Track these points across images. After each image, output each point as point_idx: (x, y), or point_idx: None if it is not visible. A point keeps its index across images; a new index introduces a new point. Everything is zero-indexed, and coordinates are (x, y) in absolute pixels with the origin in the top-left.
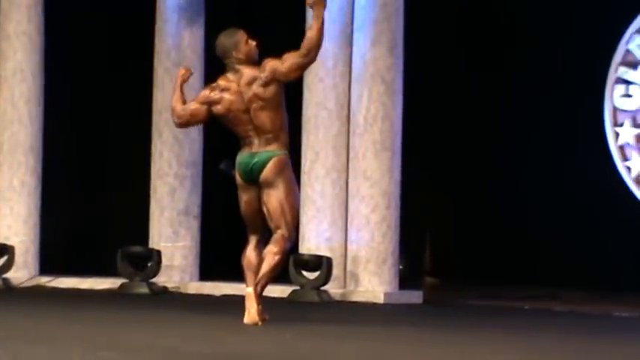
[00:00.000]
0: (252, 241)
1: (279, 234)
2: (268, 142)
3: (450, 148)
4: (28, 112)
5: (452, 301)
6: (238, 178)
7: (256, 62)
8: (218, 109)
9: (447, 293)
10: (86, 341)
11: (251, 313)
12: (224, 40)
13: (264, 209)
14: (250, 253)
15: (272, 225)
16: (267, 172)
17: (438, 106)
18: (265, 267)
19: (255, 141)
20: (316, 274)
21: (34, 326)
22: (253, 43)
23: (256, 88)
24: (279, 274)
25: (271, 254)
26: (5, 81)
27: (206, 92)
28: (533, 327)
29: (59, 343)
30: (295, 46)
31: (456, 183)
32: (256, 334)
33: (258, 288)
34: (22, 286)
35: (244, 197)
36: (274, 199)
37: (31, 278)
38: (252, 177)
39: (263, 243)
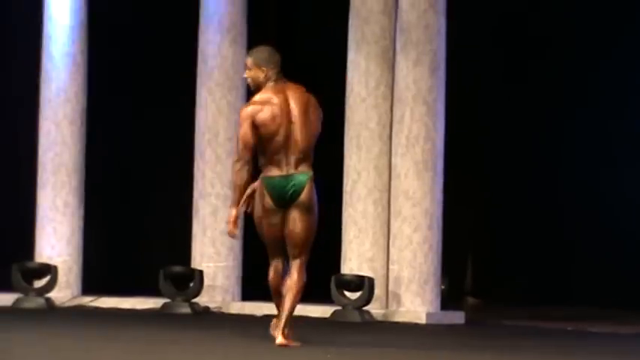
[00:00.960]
0: (279, 264)
1: (300, 262)
2: (299, 162)
3: (491, 169)
4: (72, 132)
5: (494, 322)
6: (268, 202)
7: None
8: (261, 118)
9: (488, 314)
10: None
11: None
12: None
13: (287, 232)
14: (279, 278)
15: (293, 250)
16: (304, 197)
17: (479, 127)
18: (291, 302)
19: (285, 160)
20: (358, 294)
21: (76, 346)
22: None
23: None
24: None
25: (296, 287)
26: (49, 102)
27: (247, 110)
28: (574, 348)
29: None
30: (333, 67)
31: (498, 204)
32: (297, 355)
33: (284, 320)
34: (64, 305)
35: (273, 221)
36: (304, 224)
37: (74, 298)
38: (287, 201)
39: (286, 265)
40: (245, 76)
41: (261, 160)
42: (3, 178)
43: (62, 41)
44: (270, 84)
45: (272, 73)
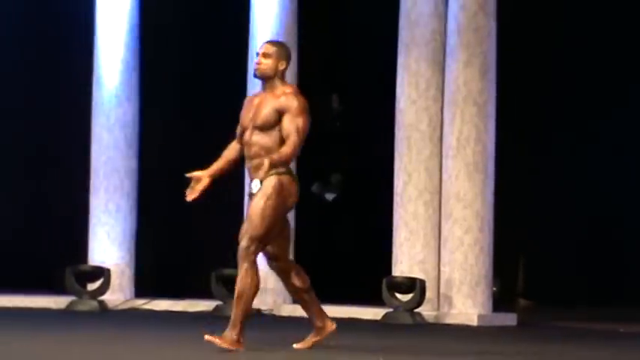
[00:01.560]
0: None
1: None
2: None
3: (542, 171)
4: (124, 137)
5: (546, 324)
6: (293, 202)
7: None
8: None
9: (541, 315)
10: None
11: None
12: None
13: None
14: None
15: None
16: None
17: (530, 128)
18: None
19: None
20: (409, 296)
21: (129, 348)
22: None
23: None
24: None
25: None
26: (101, 106)
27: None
28: (627, 350)
29: None
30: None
31: (549, 205)
32: (350, 357)
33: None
34: (117, 308)
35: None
36: None
37: (126, 301)
38: None
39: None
40: (261, 61)
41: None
42: (57, 182)
43: (114, 45)
44: (279, 80)
45: (285, 71)
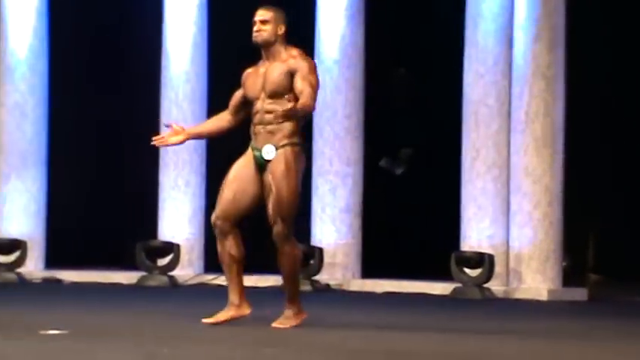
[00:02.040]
0: None
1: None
2: None
3: (613, 144)
4: (192, 112)
5: (616, 299)
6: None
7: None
8: None
9: (611, 290)
10: (249, 339)
11: None
12: None
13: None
14: None
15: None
16: None
17: (600, 103)
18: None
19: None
20: (478, 271)
21: (197, 324)
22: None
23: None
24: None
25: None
26: (170, 82)
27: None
28: None
29: (222, 342)
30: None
31: (620, 179)
32: (418, 331)
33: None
34: (187, 283)
35: None
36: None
37: (196, 276)
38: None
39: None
40: (260, 28)
41: (297, 126)
42: (126, 158)
43: (183, 21)
44: (281, 45)
45: (284, 35)
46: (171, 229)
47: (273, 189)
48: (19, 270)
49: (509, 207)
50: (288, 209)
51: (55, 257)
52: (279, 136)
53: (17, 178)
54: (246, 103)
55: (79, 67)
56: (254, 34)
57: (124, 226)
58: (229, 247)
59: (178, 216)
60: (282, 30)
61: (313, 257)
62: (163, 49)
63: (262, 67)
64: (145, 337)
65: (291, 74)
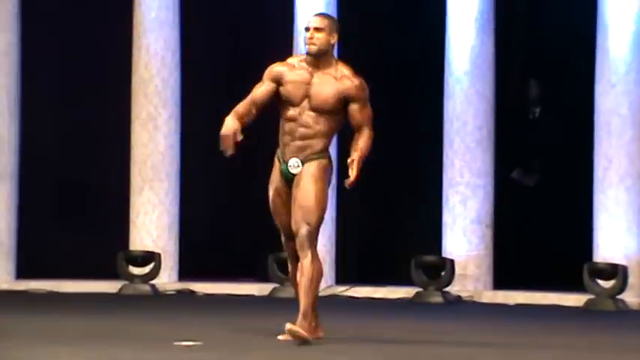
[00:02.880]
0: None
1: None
2: None
3: None
4: None
5: None
6: None
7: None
8: None
9: None
10: (379, 349)
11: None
12: None
13: None
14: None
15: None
16: None
17: None
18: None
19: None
20: (612, 282)
21: (328, 335)
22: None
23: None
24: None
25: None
26: None
27: None
28: None
29: (351, 351)
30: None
31: None
32: (551, 345)
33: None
34: (318, 295)
35: None
36: None
37: (328, 287)
38: None
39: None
40: (314, 35)
41: (328, 142)
42: (257, 170)
43: None
44: (332, 56)
45: (335, 45)
46: None
47: (299, 196)
48: (153, 282)
49: None
50: (314, 216)
51: (188, 269)
52: (308, 151)
53: (150, 190)
54: (272, 101)
55: (211, 79)
56: (307, 43)
57: (256, 238)
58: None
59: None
60: (334, 39)
61: (444, 269)
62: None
63: (308, 74)
64: (276, 348)
65: (344, 98)
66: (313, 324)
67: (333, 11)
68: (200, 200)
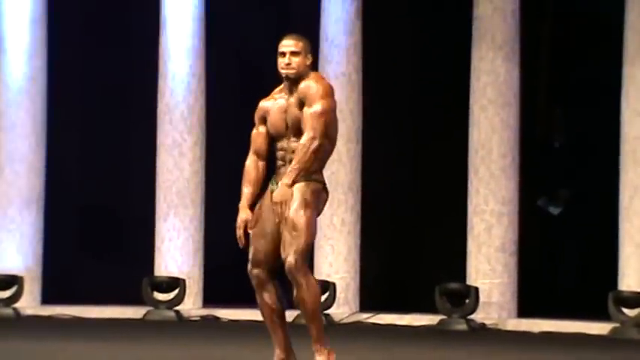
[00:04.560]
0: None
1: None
2: None
3: None
4: (347, 151)
5: None
6: None
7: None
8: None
9: None
10: None
11: None
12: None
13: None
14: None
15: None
16: None
17: None
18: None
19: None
20: (637, 310)
21: None
22: None
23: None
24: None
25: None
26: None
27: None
28: None
29: None
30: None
31: None
32: None
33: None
34: (343, 322)
35: None
36: None
37: (352, 314)
38: None
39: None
40: (292, 60)
41: (318, 164)
42: None
43: (337, 61)
44: (312, 75)
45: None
46: (327, 268)
47: (288, 220)
48: (177, 308)
49: None
50: (302, 241)
51: (212, 295)
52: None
53: (175, 217)
54: (270, 140)
55: (233, 104)
56: (284, 68)
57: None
58: (267, 298)
59: (334, 255)
60: (310, 60)
61: (469, 296)
62: None
63: (283, 100)
64: None
65: (302, 103)
66: (328, 349)
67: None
68: (224, 226)
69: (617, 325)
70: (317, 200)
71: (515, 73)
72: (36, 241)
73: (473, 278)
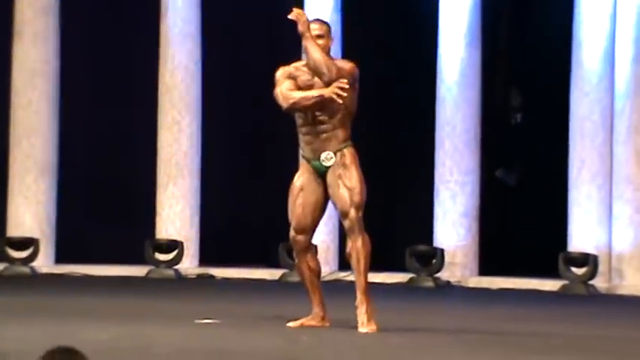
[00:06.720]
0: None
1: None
2: None
3: None
4: None
5: None
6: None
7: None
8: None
9: None
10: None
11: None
12: None
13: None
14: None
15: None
16: None
17: None
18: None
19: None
20: (584, 270)
21: (333, 316)
22: None
23: None
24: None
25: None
26: None
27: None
28: None
29: (353, 333)
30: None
31: None
32: (529, 323)
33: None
34: (324, 279)
35: None
36: None
37: (331, 273)
38: None
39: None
40: (318, 42)
41: (347, 131)
42: (267, 168)
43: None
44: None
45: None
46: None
47: (341, 182)
48: (176, 267)
49: (611, 212)
50: (359, 197)
51: (208, 256)
52: (334, 142)
53: (174, 186)
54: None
55: (230, 86)
56: None
57: (269, 229)
58: (309, 261)
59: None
60: (332, 42)
61: (435, 257)
62: None
63: (308, 76)
64: (285, 324)
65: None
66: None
67: (336, 24)
68: (219, 195)
69: (567, 282)
70: (358, 160)
71: (477, 57)
72: (50, 207)
73: (439, 241)
